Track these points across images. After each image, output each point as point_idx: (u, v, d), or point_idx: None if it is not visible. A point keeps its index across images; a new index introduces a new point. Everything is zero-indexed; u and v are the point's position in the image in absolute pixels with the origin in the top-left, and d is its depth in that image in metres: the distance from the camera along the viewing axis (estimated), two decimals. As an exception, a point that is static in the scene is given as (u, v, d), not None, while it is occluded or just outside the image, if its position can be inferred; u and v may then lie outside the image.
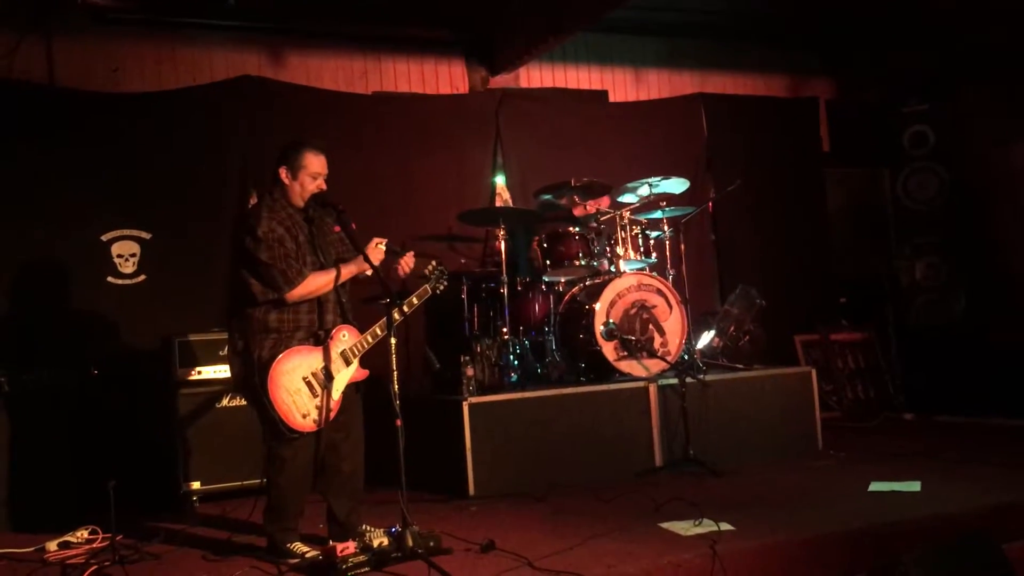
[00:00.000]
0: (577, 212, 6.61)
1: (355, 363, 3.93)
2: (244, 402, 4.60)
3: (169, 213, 6.26)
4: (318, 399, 3.79)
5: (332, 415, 3.84)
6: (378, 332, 3.96)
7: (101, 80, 6.33)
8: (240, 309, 3.85)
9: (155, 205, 6.23)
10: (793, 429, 5.97)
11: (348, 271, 3.97)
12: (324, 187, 3.98)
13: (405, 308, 3.99)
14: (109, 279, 6.11)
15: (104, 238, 6.12)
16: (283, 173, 3.94)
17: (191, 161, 6.34)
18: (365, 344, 3.95)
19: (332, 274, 3.91)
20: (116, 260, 6.13)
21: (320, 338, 3.87)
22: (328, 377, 3.83)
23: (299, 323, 3.86)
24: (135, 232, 6.19)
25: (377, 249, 4.00)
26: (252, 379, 3.77)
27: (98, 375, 5.63)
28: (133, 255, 6.17)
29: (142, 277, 6.18)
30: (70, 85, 6.19)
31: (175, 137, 6.32)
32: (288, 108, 6.61)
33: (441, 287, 4.26)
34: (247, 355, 3.81)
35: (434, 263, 4.26)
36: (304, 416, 3.76)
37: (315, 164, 3.95)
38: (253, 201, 6.07)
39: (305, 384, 3.77)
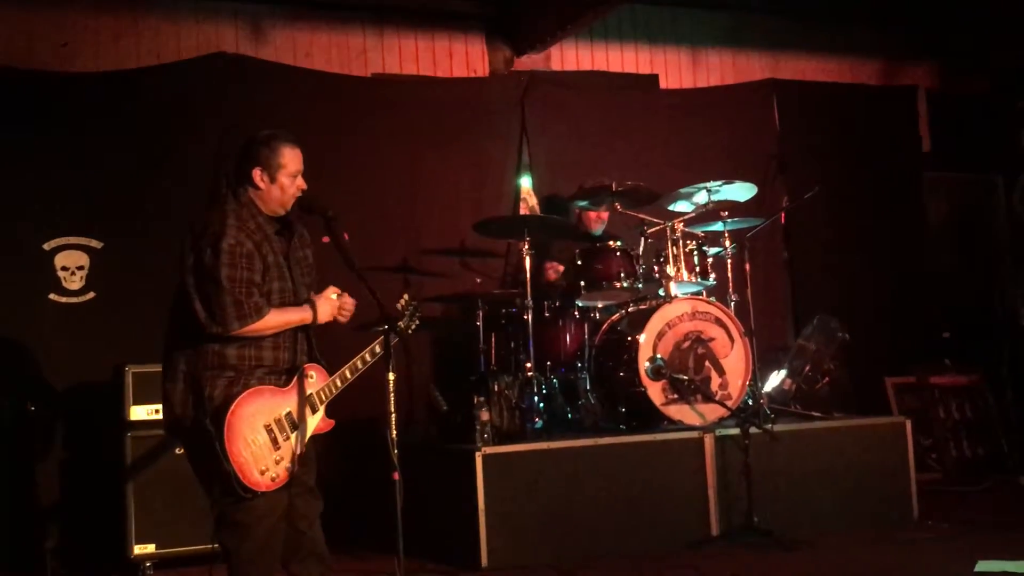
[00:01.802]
0: (594, 226, 6.70)
1: (321, 410, 3.93)
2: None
3: (125, 218, 6.32)
4: (280, 451, 3.76)
5: (294, 470, 3.81)
6: (348, 375, 3.95)
7: (46, 57, 6.42)
8: (190, 337, 3.81)
9: (108, 208, 6.30)
10: (882, 493, 5.92)
11: (304, 315, 3.93)
12: (304, 187, 3.98)
13: (359, 363, 3.98)
14: (51, 296, 6.17)
15: (47, 247, 6.18)
16: (258, 176, 3.89)
17: (153, 156, 6.40)
18: (333, 389, 3.93)
19: (293, 316, 3.85)
20: (60, 274, 6.20)
21: (286, 378, 3.85)
22: (292, 425, 3.81)
23: (261, 359, 3.81)
24: (83, 240, 6.26)
25: (329, 300, 3.98)
26: (201, 423, 3.72)
27: (35, 411, 5.68)
28: (81, 268, 6.24)
29: (91, 294, 6.24)
30: (7, 63, 6.27)
31: (135, 127, 6.38)
32: (271, 92, 6.67)
33: (413, 326, 4.27)
34: (196, 393, 3.77)
35: (406, 297, 4.27)
36: (262, 472, 3.69)
37: (295, 161, 3.93)
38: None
39: (266, 432, 3.74)
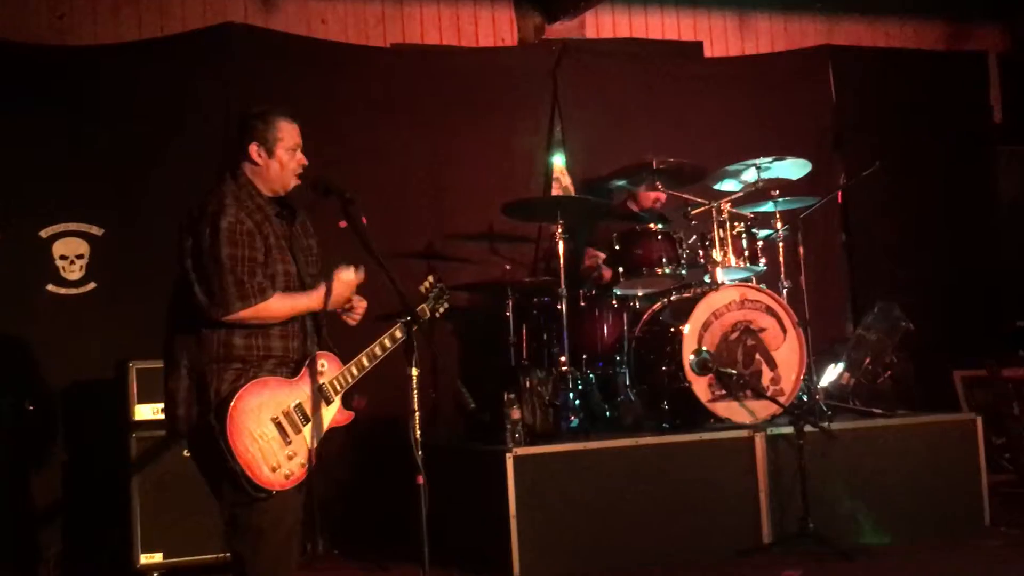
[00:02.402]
0: (648, 205, 6.64)
1: (336, 401, 3.93)
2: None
3: (127, 202, 6.36)
4: (292, 446, 3.76)
5: (311, 467, 3.81)
6: (364, 363, 3.95)
7: (42, 29, 6.47)
8: (192, 327, 3.84)
9: (109, 192, 6.34)
10: (951, 496, 5.89)
11: (312, 302, 3.94)
12: (305, 162, 3.99)
13: (377, 350, 3.99)
14: (50, 287, 6.22)
15: (44, 234, 6.23)
16: (254, 151, 3.92)
17: (157, 134, 6.43)
18: (349, 378, 3.94)
19: (301, 302, 3.86)
20: (59, 263, 6.25)
21: (296, 368, 3.86)
22: (304, 418, 3.82)
23: (271, 349, 3.82)
24: (83, 227, 6.31)
25: (343, 281, 3.98)
26: (205, 419, 3.73)
27: (34, 411, 5.73)
28: (80, 256, 6.28)
29: (92, 285, 6.29)
30: (1, 35, 6.31)
31: (137, 103, 6.42)
32: (283, 65, 6.69)
33: (441, 310, 4.27)
34: (200, 388, 3.77)
35: (431, 279, 4.27)
36: (273, 469, 3.70)
37: (292, 134, 3.97)
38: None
39: (275, 426, 3.75)
